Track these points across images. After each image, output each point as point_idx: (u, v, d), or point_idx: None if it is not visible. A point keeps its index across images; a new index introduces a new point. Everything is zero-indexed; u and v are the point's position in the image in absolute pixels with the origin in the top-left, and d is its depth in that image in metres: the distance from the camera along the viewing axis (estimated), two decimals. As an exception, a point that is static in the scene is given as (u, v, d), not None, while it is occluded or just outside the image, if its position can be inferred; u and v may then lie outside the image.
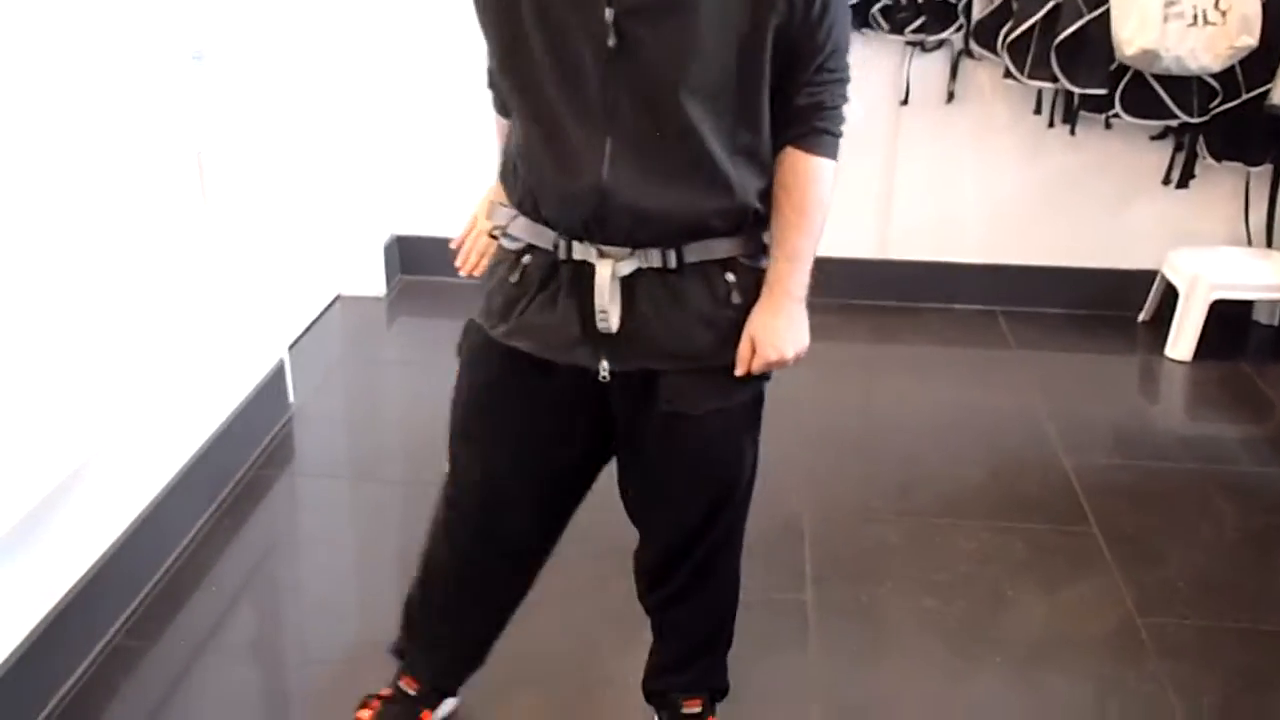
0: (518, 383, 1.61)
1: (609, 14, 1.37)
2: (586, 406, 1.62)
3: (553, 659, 2.19)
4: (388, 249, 3.88)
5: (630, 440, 1.66)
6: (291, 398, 3.10)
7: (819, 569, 2.47)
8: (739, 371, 1.55)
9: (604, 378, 1.54)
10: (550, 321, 1.53)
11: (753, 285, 1.55)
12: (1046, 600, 2.40)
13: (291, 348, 3.28)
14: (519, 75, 1.48)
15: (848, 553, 2.54)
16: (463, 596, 1.84)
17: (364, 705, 1.89)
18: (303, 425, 3.05)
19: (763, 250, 1.56)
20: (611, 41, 1.38)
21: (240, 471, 2.77)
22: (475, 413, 1.68)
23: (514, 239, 1.56)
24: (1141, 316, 3.73)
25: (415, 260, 3.93)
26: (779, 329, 1.53)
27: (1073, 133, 3.54)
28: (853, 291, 3.82)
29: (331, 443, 3.02)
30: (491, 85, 1.63)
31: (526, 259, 1.55)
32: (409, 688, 1.89)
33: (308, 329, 3.57)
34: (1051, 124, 3.56)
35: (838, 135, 1.51)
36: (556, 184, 1.49)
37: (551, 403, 1.62)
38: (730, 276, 1.53)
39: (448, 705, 1.98)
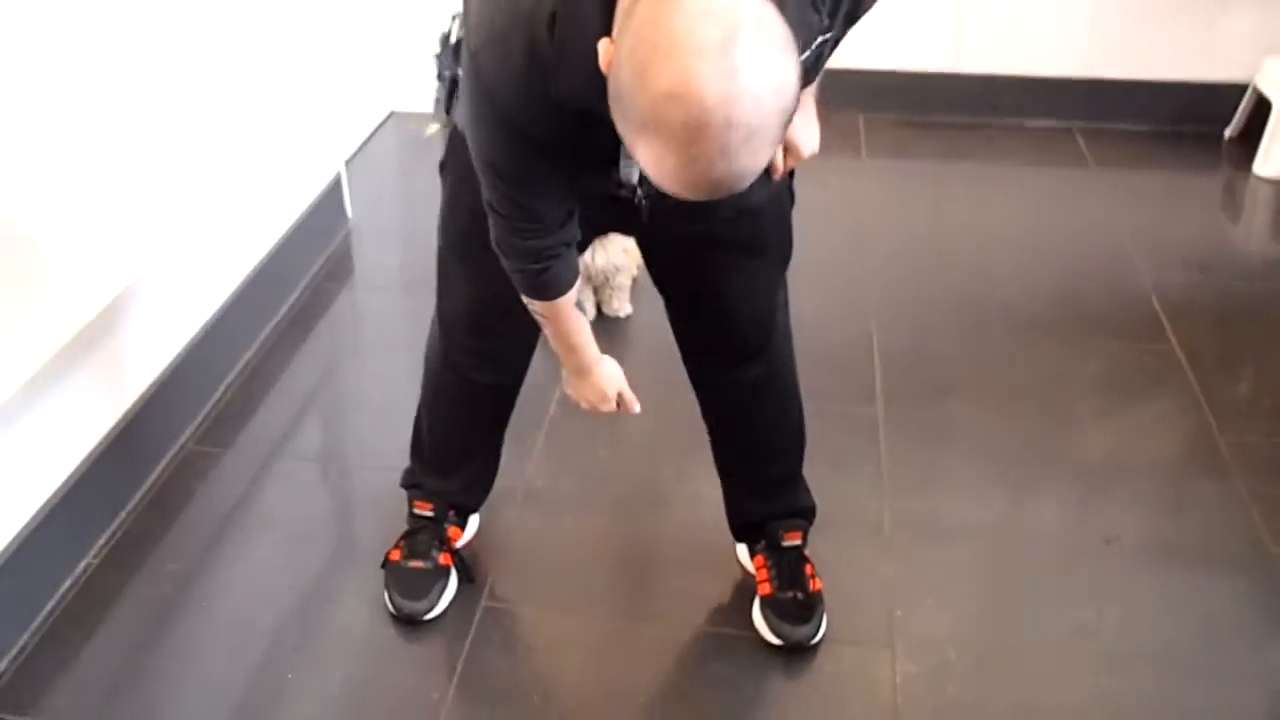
0: None
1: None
2: (598, 223, 1.58)
3: (615, 480, 2.19)
4: (441, 63, 3.73)
5: (678, 253, 1.62)
6: (349, 212, 3.06)
7: (890, 384, 2.43)
8: (776, 176, 1.53)
9: (639, 202, 1.41)
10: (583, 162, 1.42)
11: None
12: (1122, 417, 2.34)
13: (348, 163, 3.23)
14: None
15: (918, 368, 2.49)
16: (469, 416, 1.86)
17: (393, 548, 1.91)
18: (361, 240, 3.01)
19: None
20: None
21: (302, 284, 2.75)
22: (475, 234, 1.51)
23: None
24: (1229, 132, 3.54)
25: (469, 75, 3.78)
26: (811, 127, 1.55)
27: (1167, -69, 3.30)
28: (922, 107, 3.67)
29: (390, 257, 2.99)
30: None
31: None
32: (425, 510, 1.91)
33: (363, 145, 3.50)
34: (1144, -79, 3.32)
35: None
36: None
37: None
38: None
39: (473, 524, 2.00)
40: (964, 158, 3.51)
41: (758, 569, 1.88)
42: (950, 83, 3.66)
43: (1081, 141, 3.56)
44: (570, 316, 1.52)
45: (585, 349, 1.58)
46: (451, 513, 1.93)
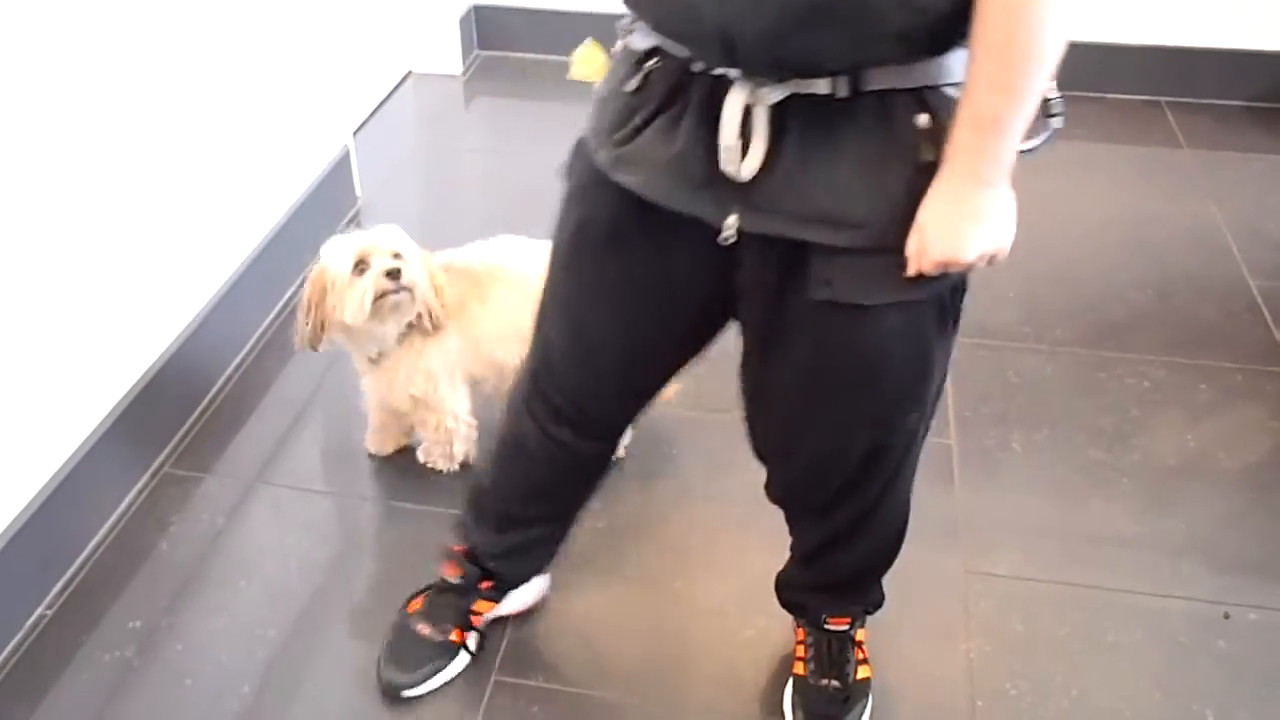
0: (625, 228, 1.21)
1: None
2: (707, 274, 1.21)
3: (650, 540, 1.90)
4: (464, 21, 3.43)
5: (767, 336, 1.24)
6: (358, 190, 2.77)
7: (963, 407, 2.13)
8: (909, 271, 1.10)
9: (726, 238, 1.11)
10: (667, 153, 1.11)
11: None
12: (1243, 454, 2.03)
13: (357, 133, 2.93)
14: None
15: (996, 389, 2.18)
16: (535, 477, 1.51)
17: (417, 595, 1.66)
18: (371, 221, 2.72)
19: None
20: None
21: (302, 275, 2.46)
22: (570, 260, 1.30)
23: (642, 37, 1.14)
24: (1339, 110, 3.19)
25: (495, 33, 3.49)
26: (954, 221, 1.05)
27: (1283, -118, 2.93)
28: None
29: (403, 242, 2.69)
30: None
31: (653, 63, 1.12)
32: (452, 576, 1.63)
33: (374, 112, 3.20)
34: None
35: None
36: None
37: (663, 261, 1.22)
38: (923, 119, 1.05)
39: (511, 601, 1.69)
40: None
41: (797, 642, 1.60)
42: (1025, 49, 3.31)
43: (1171, 116, 3.22)
44: None
45: None
46: (486, 585, 1.64)
